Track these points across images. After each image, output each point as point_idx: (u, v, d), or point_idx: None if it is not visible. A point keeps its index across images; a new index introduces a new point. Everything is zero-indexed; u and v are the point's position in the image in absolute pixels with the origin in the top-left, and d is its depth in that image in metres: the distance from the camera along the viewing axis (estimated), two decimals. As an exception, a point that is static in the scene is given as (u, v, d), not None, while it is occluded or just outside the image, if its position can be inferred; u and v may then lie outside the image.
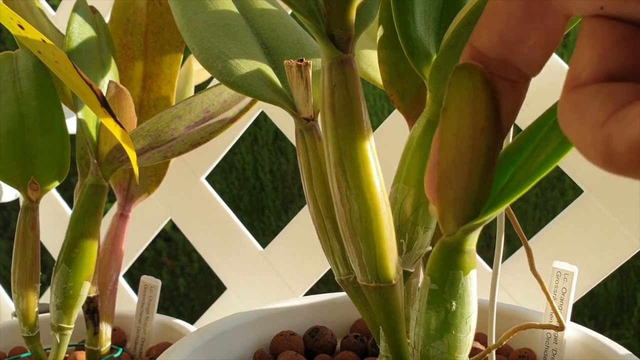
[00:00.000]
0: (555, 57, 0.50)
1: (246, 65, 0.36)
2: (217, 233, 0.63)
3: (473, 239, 0.26)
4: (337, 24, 0.28)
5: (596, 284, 0.48)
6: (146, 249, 2.07)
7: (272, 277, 0.61)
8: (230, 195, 1.94)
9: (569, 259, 0.48)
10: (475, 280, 0.26)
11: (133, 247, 0.69)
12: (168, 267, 2.05)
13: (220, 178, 1.91)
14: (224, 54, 0.36)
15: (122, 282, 0.71)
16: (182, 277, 1.96)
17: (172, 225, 1.89)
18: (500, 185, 0.24)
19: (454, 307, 0.26)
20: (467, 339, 0.27)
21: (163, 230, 1.95)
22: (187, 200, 0.64)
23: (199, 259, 1.93)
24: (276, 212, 1.91)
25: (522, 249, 0.51)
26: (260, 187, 1.93)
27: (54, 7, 0.77)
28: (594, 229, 0.48)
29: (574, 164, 0.48)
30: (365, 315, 0.34)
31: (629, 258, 0.47)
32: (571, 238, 0.49)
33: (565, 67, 0.49)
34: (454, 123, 0.23)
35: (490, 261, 0.53)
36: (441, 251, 0.26)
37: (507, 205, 0.24)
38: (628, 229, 0.47)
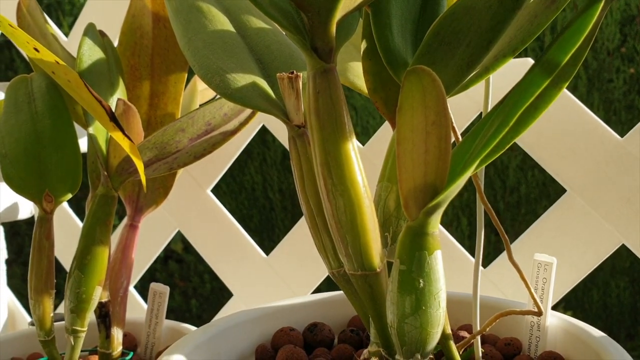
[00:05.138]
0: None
1: (242, 79, 0.39)
2: (223, 242, 0.66)
3: (435, 223, 0.29)
4: (319, 37, 0.32)
5: (582, 278, 0.51)
6: (158, 271, 2.09)
7: (276, 282, 0.64)
8: (240, 215, 1.97)
9: (554, 255, 0.50)
10: (441, 260, 0.29)
11: (145, 257, 0.72)
12: (180, 289, 2.08)
13: (230, 198, 1.94)
14: (222, 69, 0.39)
15: (134, 292, 0.74)
16: (195, 299, 1.98)
17: (183, 246, 1.91)
18: (457, 171, 0.28)
19: (422, 285, 0.29)
20: (438, 314, 0.29)
21: (175, 252, 1.98)
22: (194, 211, 0.67)
23: (211, 280, 1.95)
24: (286, 231, 1.93)
25: (511, 247, 0.53)
26: (270, 207, 1.96)
27: (66, 34, 0.81)
28: (577, 226, 0.50)
29: (557, 165, 0.51)
30: (356, 305, 0.37)
31: (611, 252, 0.50)
32: (556, 235, 0.51)
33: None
34: (408, 120, 0.27)
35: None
36: (407, 235, 0.29)
37: (455, 186, 0.27)
38: (610, 224, 0.49)
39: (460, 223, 1.91)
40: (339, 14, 0.31)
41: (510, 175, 1.83)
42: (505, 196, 1.86)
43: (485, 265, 0.55)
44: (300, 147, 0.37)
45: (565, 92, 0.51)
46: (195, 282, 1.98)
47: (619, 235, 0.49)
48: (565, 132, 0.50)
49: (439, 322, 0.30)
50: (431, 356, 0.38)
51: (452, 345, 0.37)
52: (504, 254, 0.54)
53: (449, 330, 0.37)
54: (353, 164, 0.32)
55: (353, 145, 0.32)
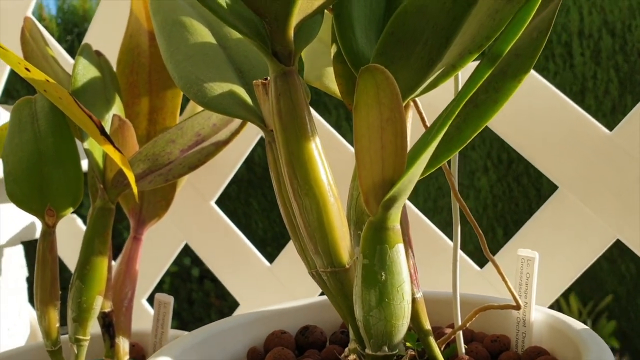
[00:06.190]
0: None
1: (219, 88, 0.40)
2: (228, 252, 0.67)
3: (394, 217, 0.29)
4: (278, 42, 0.33)
5: (580, 273, 0.50)
6: (194, 291, 2.11)
7: (280, 290, 0.65)
8: (272, 233, 1.97)
9: (549, 252, 0.50)
10: (403, 253, 0.29)
11: (154, 270, 0.74)
12: (216, 308, 2.09)
13: (262, 217, 1.94)
14: (200, 79, 0.40)
15: (146, 306, 0.76)
16: (230, 316, 2.00)
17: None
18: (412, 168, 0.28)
19: (384, 278, 0.29)
20: (402, 307, 0.30)
21: (210, 272, 2.00)
22: (199, 223, 0.69)
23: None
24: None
25: (506, 247, 0.53)
26: (302, 223, 1.95)
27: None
28: (570, 222, 0.50)
29: (548, 162, 0.51)
30: (334, 303, 0.38)
31: (606, 248, 0.49)
32: (550, 232, 0.51)
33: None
34: (364, 117, 0.27)
35: (479, 261, 0.55)
36: (369, 229, 0.29)
37: (407, 179, 0.27)
38: (603, 219, 0.49)
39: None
40: (295, 18, 0.32)
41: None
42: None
43: (481, 265, 0.54)
44: (275, 152, 0.38)
45: (550, 87, 0.50)
46: (230, 300, 1.99)
47: (613, 230, 0.48)
48: (554, 127, 0.50)
49: (404, 314, 0.30)
50: (412, 352, 0.39)
51: (432, 341, 0.37)
52: (500, 253, 0.54)
53: (428, 327, 0.37)
54: (316, 163, 0.33)
55: (316, 145, 0.33)
